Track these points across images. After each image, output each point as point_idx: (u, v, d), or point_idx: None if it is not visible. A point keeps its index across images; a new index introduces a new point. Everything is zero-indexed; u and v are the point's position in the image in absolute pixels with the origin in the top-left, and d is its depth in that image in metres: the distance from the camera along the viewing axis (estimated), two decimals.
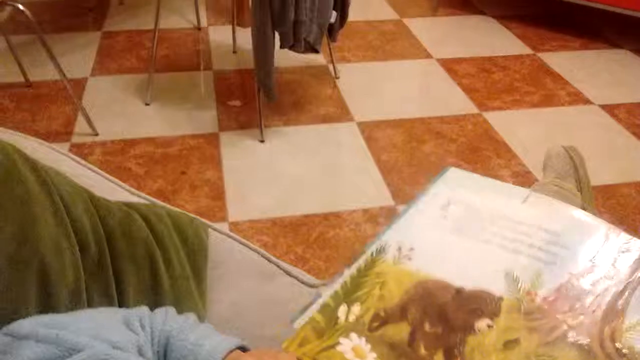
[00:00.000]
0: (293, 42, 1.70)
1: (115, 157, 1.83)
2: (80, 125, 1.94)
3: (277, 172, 1.78)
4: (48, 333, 0.52)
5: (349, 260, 1.59)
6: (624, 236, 0.59)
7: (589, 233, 0.60)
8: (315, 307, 0.59)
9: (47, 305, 0.59)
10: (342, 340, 0.55)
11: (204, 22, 2.62)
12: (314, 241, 1.54)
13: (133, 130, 1.95)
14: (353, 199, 1.68)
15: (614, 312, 0.52)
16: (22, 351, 0.51)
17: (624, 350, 0.48)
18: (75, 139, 1.89)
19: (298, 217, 1.62)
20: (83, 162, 1.06)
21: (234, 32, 2.41)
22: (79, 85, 2.14)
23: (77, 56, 2.34)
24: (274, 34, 1.68)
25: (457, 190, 0.69)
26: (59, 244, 0.61)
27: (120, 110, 2.04)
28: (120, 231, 0.69)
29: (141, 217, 0.74)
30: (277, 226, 1.58)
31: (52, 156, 0.94)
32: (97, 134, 1.91)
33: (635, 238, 0.59)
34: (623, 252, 0.58)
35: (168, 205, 0.86)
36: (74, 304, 0.62)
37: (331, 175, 1.78)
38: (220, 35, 2.54)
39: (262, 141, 1.90)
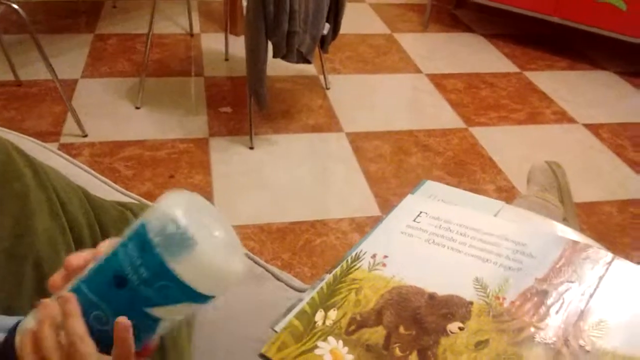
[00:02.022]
0: (286, 52, 1.72)
1: (104, 158, 1.83)
2: (69, 126, 1.94)
3: (265, 179, 1.79)
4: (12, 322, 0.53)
5: (334, 267, 1.60)
6: (585, 245, 0.63)
7: (553, 243, 0.64)
8: (293, 312, 0.61)
9: (43, 297, 0.60)
10: (319, 343, 0.56)
11: (196, 29, 2.63)
12: (301, 248, 1.56)
13: (122, 132, 1.95)
14: (340, 208, 1.69)
15: (576, 314, 0.54)
16: None
17: (587, 348, 0.51)
18: (64, 139, 1.89)
19: (285, 224, 1.63)
20: (75, 161, 1.06)
21: (226, 39, 2.43)
22: (69, 86, 2.14)
23: (68, 57, 2.34)
24: (267, 43, 1.70)
25: (432, 202, 0.73)
26: (55, 239, 0.62)
27: (110, 112, 2.05)
28: (114, 229, 0.70)
29: (135, 216, 0.75)
30: (265, 232, 1.59)
31: (45, 154, 0.95)
32: (85, 135, 1.91)
33: (595, 247, 0.63)
34: (584, 259, 0.62)
35: None
36: None
37: (319, 184, 1.79)
38: (212, 42, 2.55)
39: (251, 148, 1.91)
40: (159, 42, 2.51)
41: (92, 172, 1.07)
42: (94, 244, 0.67)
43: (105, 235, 0.69)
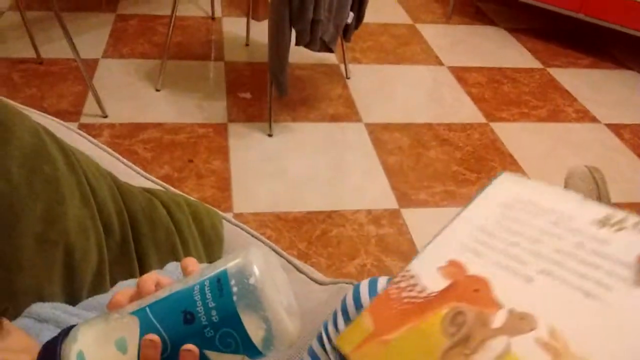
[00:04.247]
0: (309, 40, 1.71)
1: (123, 140, 1.83)
2: (90, 106, 1.95)
3: (283, 167, 1.79)
4: (68, 319, 0.53)
5: (351, 261, 1.60)
6: None
7: None
8: None
9: (71, 285, 0.60)
10: None
11: (218, 13, 2.62)
12: (317, 238, 1.55)
13: (142, 114, 1.95)
14: (357, 199, 1.69)
15: None
16: (43, 334, 0.52)
17: None
18: (84, 120, 1.89)
19: (302, 213, 1.63)
20: (99, 143, 1.06)
21: (248, 24, 2.41)
22: (90, 66, 2.15)
23: (89, 37, 2.34)
24: (291, 30, 1.69)
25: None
26: (85, 225, 0.62)
27: (130, 94, 2.05)
28: (143, 216, 0.70)
29: (162, 204, 0.75)
30: (281, 221, 1.59)
31: (69, 136, 0.95)
32: (106, 116, 1.91)
33: None
34: None
35: (185, 195, 0.87)
36: (97, 285, 0.63)
37: (337, 174, 1.79)
38: (234, 26, 2.54)
39: (270, 135, 1.91)
40: (180, 24, 2.50)
41: (116, 155, 1.08)
42: (122, 231, 0.68)
43: (133, 221, 0.69)
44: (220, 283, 0.38)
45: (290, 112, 2.04)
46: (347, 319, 0.65)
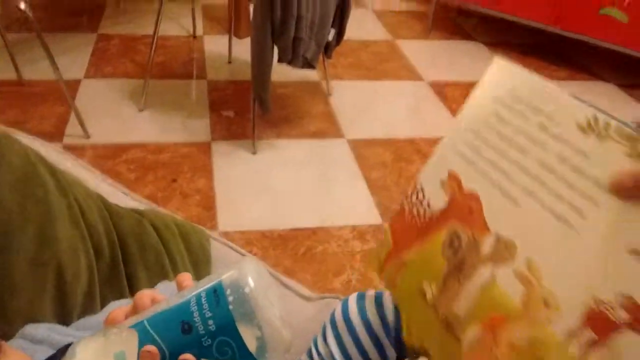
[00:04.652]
0: (291, 58, 1.73)
1: (107, 160, 1.83)
2: (72, 127, 1.94)
3: (268, 185, 1.80)
4: (62, 340, 0.54)
5: (336, 277, 1.60)
6: None
7: None
8: None
9: (62, 306, 0.60)
10: None
11: (200, 31, 2.64)
12: (303, 255, 1.56)
13: (125, 134, 1.95)
14: (342, 215, 1.70)
15: None
16: (37, 355, 0.52)
17: None
18: (67, 140, 1.89)
19: (287, 230, 1.64)
20: (85, 164, 1.07)
21: (230, 42, 2.43)
22: (72, 86, 2.14)
23: (71, 57, 2.34)
24: (273, 48, 1.71)
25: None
26: (75, 247, 0.62)
27: (113, 114, 2.05)
28: (132, 237, 0.70)
29: (150, 224, 0.75)
30: (267, 238, 1.60)
31: (55, 157, 0.95)
32: (89, 137, 1.91)
33: None
34: None
35: (172, 214, 0.87)
36: (88, 306, 0.63)
37: (321, 191, 1.80)
38: (215, 45, 2.56)
39: (254, 153, 1.92)
40: (162, 43, 2.51)
41: (102, 175, 1.08)
42: (112, 252, 0.68)
43: (122, 242, 0.70)
44: (216, 293, 0.39)
45: (273, 129, 2.06)
46: (337, 333, 0.66)
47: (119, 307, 0.42)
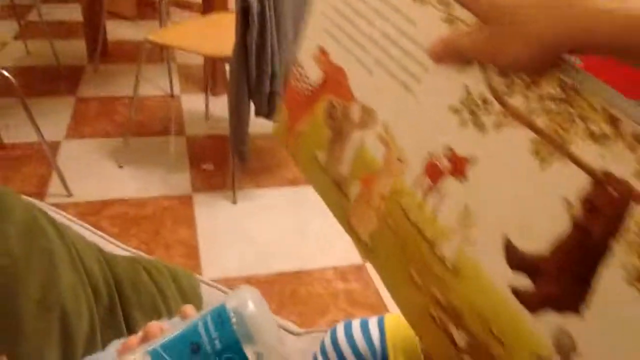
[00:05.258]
0: (268, 111, 1.82)
1: (89, 217, 1.87)
2: (54, 186, 1.98)
3: (249, 233, 1.85)
4: None
5: (322, 317, 1.64)
6: None
7: None
8: None
9: (67, 350, 0.64)
10: None
11: (177, 90, 2.73)
12: (287, 298, 1.60)
13: (107, 191, 1.99)
14: (323, 257, 1.75)
15: None
16: None
17: None
18: (49, 200, 1.92)
19: (271, 275, 1.68)
20: (72, 217, 1.12)
21: (207, 99, 2.52)
22: (53, 147, 2.19)
23: (51, 120, 2.39)
24: (249, 103, 1.80)
25: None
26: (77, 291, 0.67)
27: (94, 172, 2.09)
28: (127, 281, 0.75)
29: (143, 268, 0.80)
30: (252, 283, 1.64)
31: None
32: (70, 195, 1.95)
33: None
34: None
35: (161, 260, 0.92)
36: (90, 349, 0.67)
37: (301, 235, 1.86)
38: (193, 103, 2.65)
39: (234, 202, 1.97)
40: (140, 103, 2.58)
41: (90, 227, 1.13)
42: (110, 295, 0.73)
43: (118, 286, 0.74)
44: (220, 316, 0.45)
45: (252, 179, 2.13)
46: (326, 359, 0.70)
47: (130, 338, 0.47)
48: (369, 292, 1.64)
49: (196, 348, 0.44)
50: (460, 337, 0.44)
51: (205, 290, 0.95)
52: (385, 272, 0.54)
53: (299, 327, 1.52)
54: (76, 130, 2.36)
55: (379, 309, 1.58)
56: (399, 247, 0.50)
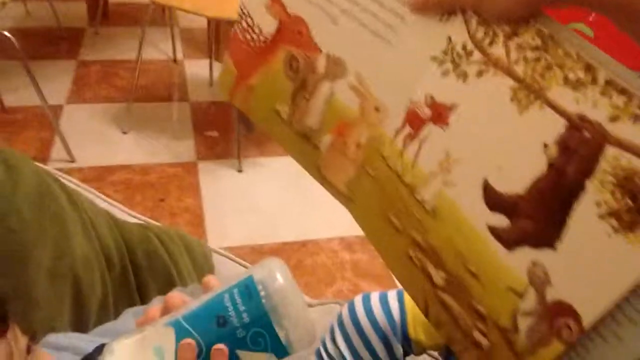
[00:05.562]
0: None
1: (93, 183, 1.84)
2: (57, 152, 1.95)
3: (255, 201, 1.83)
4: (85, 346, 0.56)
5: (328, 287, 1.63)
6: None
7: None
8: None
9: (79, 317, 0.63)
10: None
11: (180, 55, 2.67)
12: (293, 268, 1.59)
13: (110, 157, 1.97)
14: (330, 228, 1.74)
15: None
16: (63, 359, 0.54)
17: None
18: (52, 165, 1.89)
19: (277, 244, 1.66)
20: (80, 184, 1.09)
21: (211, 65, 2.47)
22: (55, 112, 2.15)
23: (52, 84, 2.35)
24: None
25: None
26: (89, 259, 0.65)
27: (97, 138, 2.06)
28: (140, 249, 0.73)
29: (156, 237, 0.78)
30: (256, 253, 1.63)
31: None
32: (73, 161, 1.92)
33: None
34: None
35: (174, 228, 0.90)
36: (102, 316, 0.65)
37: (308, 204, 1.84)
38: (196, 68, 2.60)
39: (240, 171, 1.95)
40: (143, 68, 2.52)
41: (98, 194, 1.10)
42: (122, 263, 0.71)
43: (131, 254, 0.72)
44: (248, 288, 0.42)
45: (258, 147, 2.10)
46: (345, 334, 0.69)
47: (151, 308, 0.45)
48: (376, 263, 1.63)
49: (222, 321, 0.42)
50: (438, 276, 0.46)
51: (217, 259, 0.93)
52: (365, 219, 0.55)
53: (306, 297, 1.51)
54: (78, 94, 2.31)
55: (385, 279, 1.57)
56: (377, 193, 0.51)
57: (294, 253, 1.64)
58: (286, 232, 1.71)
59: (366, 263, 1.63)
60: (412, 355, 0.71)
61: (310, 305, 0.91)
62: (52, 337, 0.57)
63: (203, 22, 2.71)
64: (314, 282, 1.55)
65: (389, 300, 0.70)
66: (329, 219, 1.78)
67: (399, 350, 0.68)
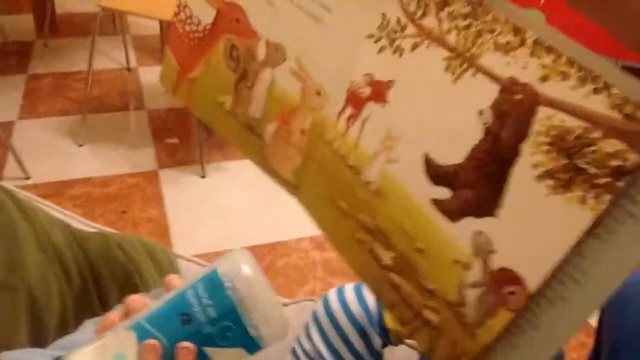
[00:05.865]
0: None
1: (51, 199, 1.76)
2: (10, 169, 1.88)
3: (221, 206, 1.79)
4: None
5: (301, 288, 1.61)
6: None
7: None
8: None
9: (37, 333, 0.59)
10: None
11: (133, 63, 2.61)
12: (265, 271, 1.55)
13: (67, 172, 1.90)
14: (299, 228, 1.71)
15: None
16: None
17: None
18: (6, 183, 1.81)
19: (246, 248, 1.63)
20: (35, 197, 1.04)
21: None
22: (6, 129, 2.07)
23: (1, 100, 2.26)
24: None
25: None
26: (44, 271, 0.61)
27: (52, 152, 1.99)
28: (100, 258, 0.69)
29: (116, 244, 0.75)
30: None
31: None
32: (28, 178, 1.85)
33: None
34: None
35: (135, 234, 0.86)
36: (62, 331, 0.62)
37: (276, 206, 1.81)
38: (151, 75, 2.54)
39: (203, 177, 1.91)
40: (96, 78, 2.46)
41: (54, 206, 1.06)
42: (81, 274, 0.67)
43: (91, 264, 0.69)
44: (213, 281, 0.40)
45: (220, 151, 2.06)
46: (321, 330, 0.67)
47: (111, 313, 0.42)
48: None
49: (187, 319, 0.40)
50: (386, 257, 0.46)
51: (183, 265, 0.90)
52: (313, 206, 0.54)
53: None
54: (30, 109, 2.23)
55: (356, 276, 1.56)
56: (324, 179, 0.51)
57: (265, 256, 1.61)
58: (255, 235, 1.68)
59: (337, 261, 1.61)
60: (390, 347, 0.69)
61: (284, 305, 0.89)
62: (9, 354, 0.53)
63: (155, 29, 2.65)
64: (286, 283, 1.52)
65: (364, 291, 0.68)
66: (297, 219, 1.75)
67: (377, 341, 0.66)
